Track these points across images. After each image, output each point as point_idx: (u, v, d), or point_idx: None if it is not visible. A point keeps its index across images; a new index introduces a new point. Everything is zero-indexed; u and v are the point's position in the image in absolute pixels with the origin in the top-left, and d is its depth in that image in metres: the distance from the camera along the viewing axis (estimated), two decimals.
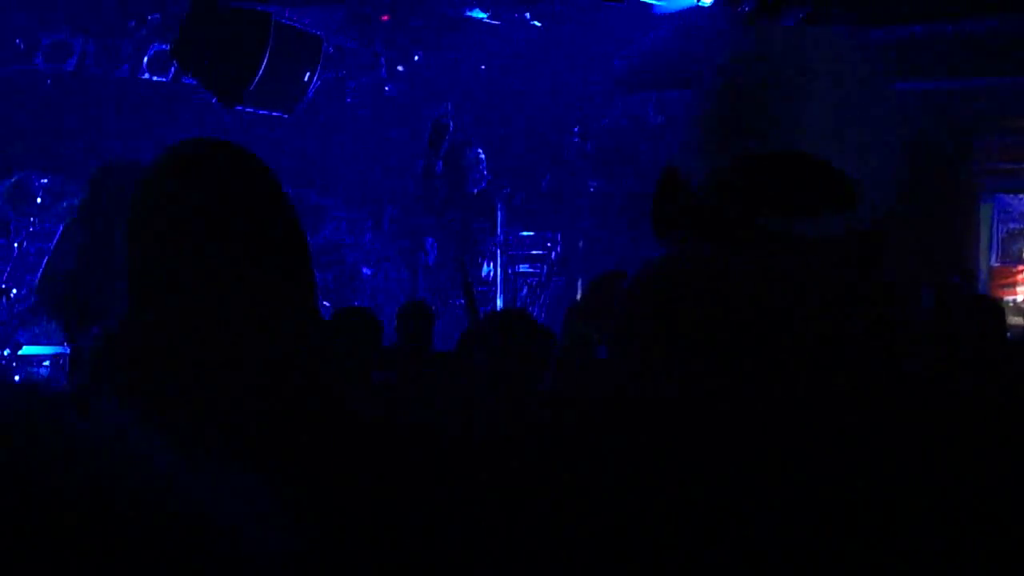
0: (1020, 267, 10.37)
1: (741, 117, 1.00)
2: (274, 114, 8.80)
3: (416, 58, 10.37)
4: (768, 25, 7.15)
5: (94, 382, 1.58)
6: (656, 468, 0.96)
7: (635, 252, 9.44)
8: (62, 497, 0.88)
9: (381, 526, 1.33)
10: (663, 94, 10.57)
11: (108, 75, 8.94)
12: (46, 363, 8.02)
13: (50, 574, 0.73)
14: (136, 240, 1.57)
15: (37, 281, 6.38)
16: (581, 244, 11.08)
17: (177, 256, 1.52)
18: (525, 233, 10.48)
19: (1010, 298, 9.86)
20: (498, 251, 9.64)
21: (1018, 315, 9.14)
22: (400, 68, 10.44)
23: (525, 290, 10.34)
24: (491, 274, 9.60)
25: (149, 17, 8.74)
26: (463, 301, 7.44)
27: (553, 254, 10.55)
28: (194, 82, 8.45)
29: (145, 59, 9.06)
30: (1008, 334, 5.95)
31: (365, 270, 10.85)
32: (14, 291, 8.08)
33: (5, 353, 7.74)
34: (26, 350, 7.96)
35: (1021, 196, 10.61)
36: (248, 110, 8.44)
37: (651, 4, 8.96)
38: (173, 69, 9.09)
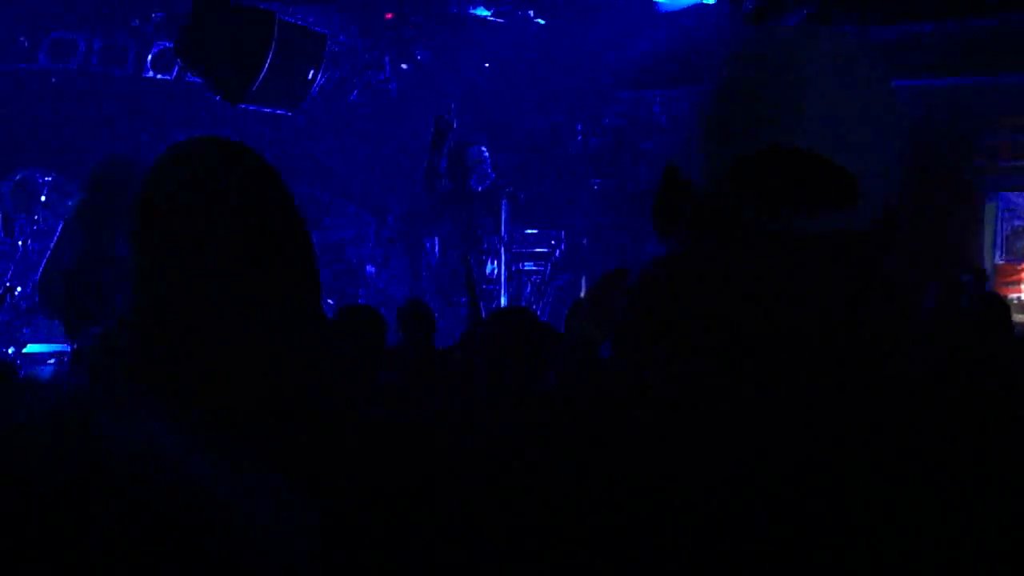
0: None
1: (742, 116, 1.00)
2: (278, 112, 8.80)
3: (420, 56, 10.37)
4: (769, 24, 7.14)
5: (94, 380, 1.58)
6: (657, 468, 0.96)
7: (639, 250, 9.45)
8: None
9: (382, 526, 1.33)
10: (667, 92, 10.57)
11: (112, 73, 8.94)
12: (51, 361, 8.03)
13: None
14: (140, 238, 1.57)
15: (37, 280, 6.38)
16: (585, 242, 11.07)
17: (181, 254, 1.52)
18: (529, 231, 10.47)
19: (1014, 295, 9.85)
20: (502, 249, 9.63)
21: (1022, 312, 9.13)
22: (404, 66, 10.44)
23: (529, 288, 10.33)
24: (495, 272, 9.58)
25: (153, 15, 8.74)
26: (466, 299, 7.43)
27: (557, 252, 10.54)
28: (198, 80, 8.45)
29: (149, 57, 9.07)
30: (1015, 332, 5.95)
31: (369, 268, 10.85)
32: (18, 289, 8.08)
33: (10, 351, 7.74)
34: (30, 348, 7.97)
35: None
36: (252, 108, 8.44)
37: (655, 2, 8.96)
38: (177, 67, 9.09)
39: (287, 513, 1.34)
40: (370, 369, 4.61)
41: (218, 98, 8.38)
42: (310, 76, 8.80)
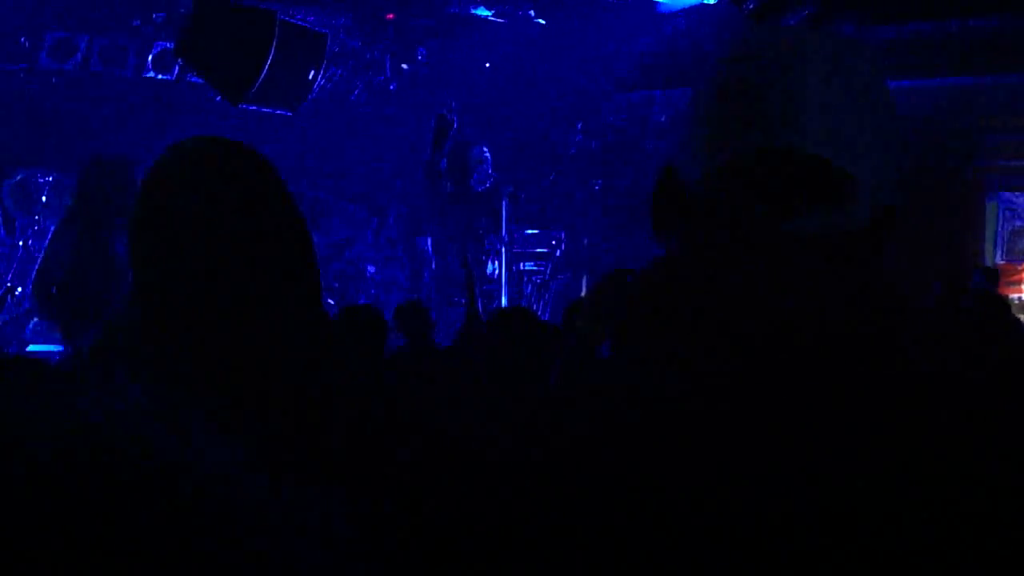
0: None
1: (739, 115, 1.00)
2: (278, 112, 8.81)
3: (420, 56, 10.38)
4: (766, 24, 7.15)
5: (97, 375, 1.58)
6: (658, 468, 0.96)
7: (639, 250, 9.45)
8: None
9: (383, 524, 1.33)
10: (668, 92, 10.58)
11: (112, 73, 8.95)
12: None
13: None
14: (140, 238, 1.57)
15: (31, 282, 6.38)
16: (585, 242, 11.09)
17: (181, 253, 1.52)
18: (530, 231, 10.48)
19: (1015, 296, 9.86)
20: (502, 249, 9.64)
21: (1022, 313, 9.13)
22: (404, 66, 10.45)
23: (529, 288, 10.34)
24: (495, 272, 9.60)
25: (154, 15, 8.75)
26: (465, 299, 7.44)
27: (557, 252, 10.56)
28: (199, 80, 8.46)
29: (150, 57, 9.08)
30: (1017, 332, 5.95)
31: (369, 268, 10.86)
32: (19, 289, 8.09)
33: (11, 351, 7.75)
34: (31, 348, 7.98)
35: None
36: (252, 108, 8.45)
37: (656, 2, 8.96)
38: (178, 67, 9.11)
39: (289, 509, 1.34)
40: (372, 368, 4.61)
41: (219, 98, 8.39)
42: (311, 76, 8.80)
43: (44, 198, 8.58)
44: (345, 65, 10.02)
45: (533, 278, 10.40)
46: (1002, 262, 10.40)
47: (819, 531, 0.92)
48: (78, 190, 5.97)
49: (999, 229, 10.68)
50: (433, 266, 9.81)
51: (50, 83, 8.85)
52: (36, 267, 6.15)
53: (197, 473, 1.30)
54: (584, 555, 0.94)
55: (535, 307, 9.94)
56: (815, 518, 0.92)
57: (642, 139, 10.77)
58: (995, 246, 10.66)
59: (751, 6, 7.70)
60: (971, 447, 0.95)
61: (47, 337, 7.99)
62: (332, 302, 9.33)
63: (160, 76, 9.21)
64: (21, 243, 8.53)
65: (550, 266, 10.49)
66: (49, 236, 6.18)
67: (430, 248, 9.94)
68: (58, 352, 7.95)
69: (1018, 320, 6.68)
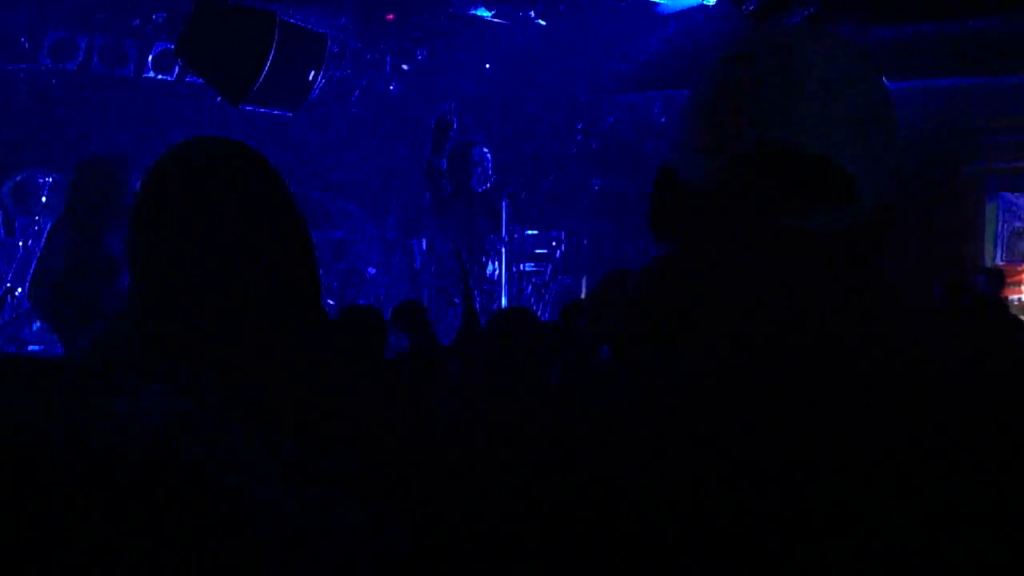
0: None
1: (738, 115, 1.00)
2: (278, 113, 8.81)
3: (420, 57, 10.38)
4: (763, 24, 7.15)
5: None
6: (658, 468, 0.96)
7: (639, 250, 9.45)
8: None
9: (386, 525, 1.33)
10: (668, 93, 10.58)
11: (113, 74, 8.95)
12: None
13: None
14: (140, 238, 1.57)
15: (28, 283, 6.38)
16: (586, 243, 11.08)
17: (180, 253, 1.52)
18: (529, 232, 10.47)
19: (1015, 297, 9.86)
20: (503, 249, 9.63)
21: (1022, 313, 9.13)
22: (405, 67, 10.45)
23: (529, 288, 10.33)
24: (495, 273, 9.59)
25: (154, 16, 8.75)
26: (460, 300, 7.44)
27: (557, 253, 10.55)
28: (199, 81, 8.46)
29: (150, 58, 9.08)
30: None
31: (370, 269, 10.86)
32: (19, 290, 8.09)
33: (11, 351, 7.74)
34: (31, 348, 7.98)
35: None
36: (253, 109, 8.44)
37: (656, 3, 8.96)
38: (178, 68, 9.11)
39: (299, 508, 1.34)
40: (372, 368, 4.61)
41: (219, 99, 8.39)
42: (311, 77, 8.80)
43: (44, 198, 8.58)
44: (345, 66, 10.01)
45: (533, 279, 10.40)
46: (1002, 263, 10.40)
47: (819, 531, 0.92)
48: (72, 190, 5.98)
49: (999, 230, 10.68)
50: (431, 267, 9.80)
51: (50, 83, 8.86)
52: (32, 268, 6.15)
53: (213, 474, 1.30)
54: (585, 555, 0.94)
55: (535, 307, 9.93)
56: (815, 518, 0.92)
57: (643, 140, 10.77)
58: (995, 247, 10.66)
59: (751, 7, 7.70)
60: (970, 447, 0.95)
61: (47, 337, 8.00)
62: (332, 302, 9.32)
63: (160, 76, 9.21)
64: (21, 243, 8.53)
65: (550, 267, 10.49)
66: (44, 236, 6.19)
67: (424, 249, 9.93)
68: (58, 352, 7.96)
69: (1017, 319, 6.69)
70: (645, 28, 9.74)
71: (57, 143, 8.50)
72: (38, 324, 7.85)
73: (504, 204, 9.46)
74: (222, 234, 1.53)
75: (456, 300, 9.04)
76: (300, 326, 1.56)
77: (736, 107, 1.01)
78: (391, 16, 9.69)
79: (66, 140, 8.46)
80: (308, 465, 1.38)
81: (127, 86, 9.11)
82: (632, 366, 1.04)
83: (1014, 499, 0.93)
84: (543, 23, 9.62)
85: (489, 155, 9.31)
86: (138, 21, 8.76)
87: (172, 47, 8.48)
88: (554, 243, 10.56)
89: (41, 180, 8.61)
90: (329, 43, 8.98)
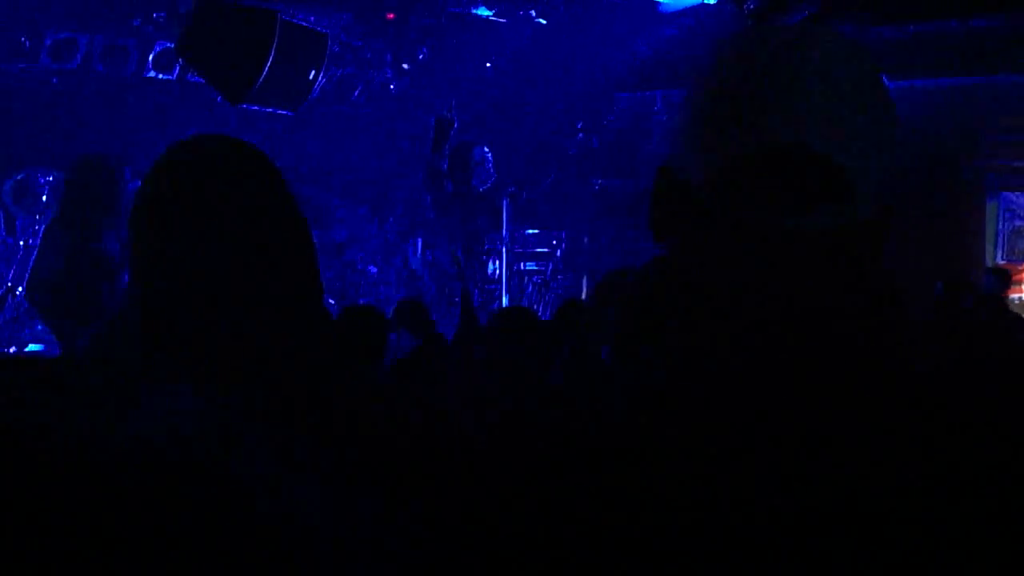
0: None
1: (738, 115, 1.00)
2: (279, 112, 8.81)
3: (421, 56, 10.38)
4: (762, 24, 7.15)
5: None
6: (658, 468, 0.96)
7: (640, 249, 9.45)
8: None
9: (387, 524, 1.33)
10: (668, 92, 10.58)
11: (113, 73, 8.95)
12: None
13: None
14: (140, 236, 1.57)
15: (25, 283, 6.38)
16: (586, 242, 11.09)
17: (182, 251, 1.52)
18: (530, 231, 10.48)
19: (1015, 296, 9.85)
20: (503, 249, 9.64)
21: (1022, 312, 9.13)
22: (405, 66, 10.45)
23: (530, 288, 10.34)
24: (496, 272, 9.60)
25: (155, 15, 8.75)
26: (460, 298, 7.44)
27: (558, 252, 10.56)
28: (199, 80, 8.46)
29: (150, 57, 9.08)
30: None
31: (371, 268, 10.86)
32: (20, 289, 8.09)
33: (11, 351, 7.75)
34: (32, 348, 7.98)
35: None
36: (253, 108, 8.44)
37: (657, 2, 8.96)
38: (178, 67, 9.11)
39: (303, 502, 1.34)
40: (372, 367, 4.62)
41: (219, 98, 8.39)
42: (311, 76, 8.80)
43: (45, 198, 8.58)
44: (346, 65, 10.01)
45: (534, 278, 10.40)
46: (1003, 262, 10.40)
47: (819, 532, 0.92)
48: (66, 189, 5.99)
49: (999, 229, 10.68)
50: (429, 267, 9.80)
51: (51, 82, 8.86)
52: (29, 266, 6.16)
53: (227, 474, 1.31)
54: (586, 554, 0.94)
55: (536, 307, 9.93)
56: (815, 519, 0.92)
57: (643, 139, 10.77)
58: (995, 246, 10.67)
59: (751, 6, 7.70)
60: (971, 446, 0.95)
61: (48, 337, 8.01)
62: (332, 302, 9.33)
63: (161, 76, 9.21)
64: (22, 243, 8.53)
65: (551, 266, 10.49)
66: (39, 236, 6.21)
67: (419, 249, 9.93)
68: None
69: (1019, 318, 6.69)
70: (646, 27, 9.75)
71: (58, 142, 8.50)
72: (40, 324, 7.86)
73: (505, 203, 9.47)
74: (223, 233, 1.53)
75: (455, 299, 9.05)
76: (302, 325, 1.56)
77: (736, 107, 1.01)
78: (391, 15, 9.69)
79: (67, 139, 8.45)
80: (315, 463, 1.39)
81: (128, 85, 9.11)
82: (632, 366, 1.04)
83: (1014, 500, 0.93)
84: (543, 22, 9.63)
85: (490, 154, 9.32)
86: (139, 20, 8.76)
87: (173, 46, 8.48)
88: (555, 242, 10.57)
89: (42, 179, 8.61)
90: (330, 42, 8.98)
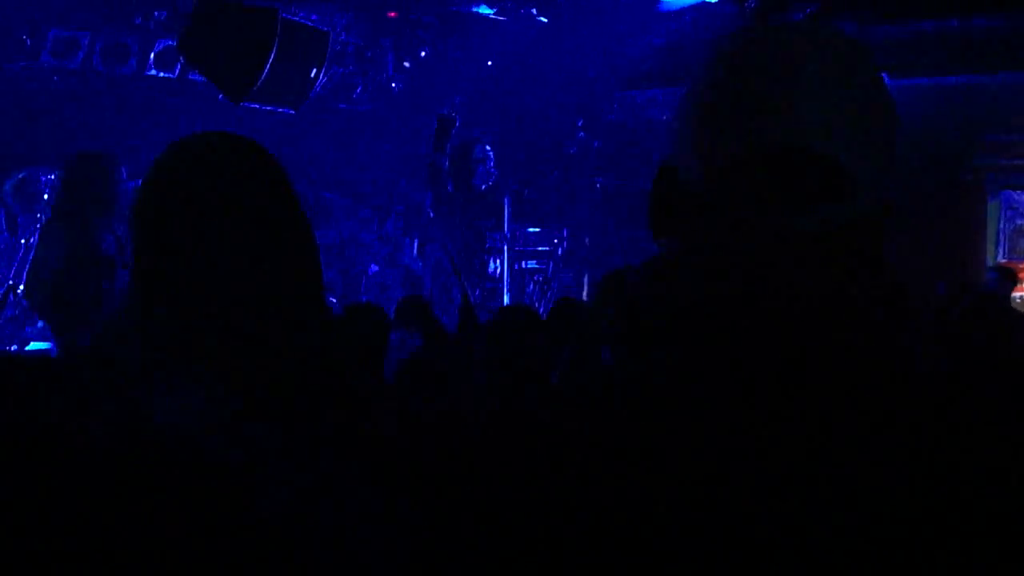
0: None
1: (736, 114, 1.00)
2: (280, 111, 8.80)
3: (423, 54, 10.38)
4: (760, 22, 7.14)
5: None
6: (659, 467, 0.96)
7: (641, 248, 9.44)
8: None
9: (389, 521, 1.33)
10: (670, 90, 10.57)
11: (114, 71, 8.95)
12: None
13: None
14: (142, 233, 1.57)
15: (24, 282, 6.39)
16: (587, 240, 11.09)
17: (184, 249, 1.52)
18: (531, 229, 10.48)
19: (1017, 295, 9.84)
20: (504, 247, 9.63)
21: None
22: (407, 64, 10.45)
23: (532, 286, 10.34)
24: (497, 270, 9.60)
25: (156, 13, 8.75)
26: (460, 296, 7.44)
27: (560, 250, 10.56)
28: (201, 78, 8.46)
29: (152, 55, 9.07)
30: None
31: (372, 267, 10.86)
32: (21, 287, 8.09)
33: (13, 349, 7.74)
34: (33, 346, 7.98)
35: None
36: (255, 106, 8.44)
37: (658, 0, 8.96)
38: (180, 65, 9.10)
39: (307, 498, 1.35)
40: (375, 365, 4.62)
41: (221, 96, 8.38)
42: (313, 74, 8.80)
43: (46, 196, 8.57)
44: (347, 63, 10.01)
45: (535, 276, 10.40)
46: (1004, 260, 10.39)
47: (818, 530, 0.92)
48: (61, 188, 5.99)
49: (1001, 228, 10.68)
50: (427, 266, 9.80)
51: (52, 81, 8.85)
52: (28, 265, 6.17)
53: (234, 471, 1.31)
54: (585, 554, 0.94)
55: (537, 305, 9.93)
56: (814, 517, 0.92)
57: (645, 137, 10.76)
58: (997, 245, 10.66)
59: (752, 4, 7.70)
60: (971, 446, 0.95)
61: (50, 335, 8.01)
62: (334, 300, 9.32)
63: (162, 74, 9.20)
64: (23, 241, 8.52)
65: (552, 264, 10.49)
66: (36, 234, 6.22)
67: (415, 249, 9.93)
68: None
69: (1022, 316, 6.67)
70: (647, 25, 9.74)
71: (59, 141, 8.50)
72: (41, 322, 7.86)
73: (506, 201, 9.46)
74: (225, 230, 1.53)
75: (455, 298, 9.05)
76: (304, 322, 1.56)
77: (735, 105, 1.01)
78: (393, 13, 9.69)
79: (68, 138, 8.45)
80: (317, 460, 1.39)
81: (129, 84, 9.10)
82: (631, 366, 1.04)
83: (1015, 500, 0.93)
84: (545, 20, 9.63)
85: (491, 152, 9.31)
86: (140, 18, 8.76)
87: (174, 44, 8.48)
88: (556, 240, 10.57)
89: (43, 178, 8.61)
90: (331, 41, 8.98)
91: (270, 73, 8.08)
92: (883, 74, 1.04)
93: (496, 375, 4.03)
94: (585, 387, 1.10)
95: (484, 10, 9.30)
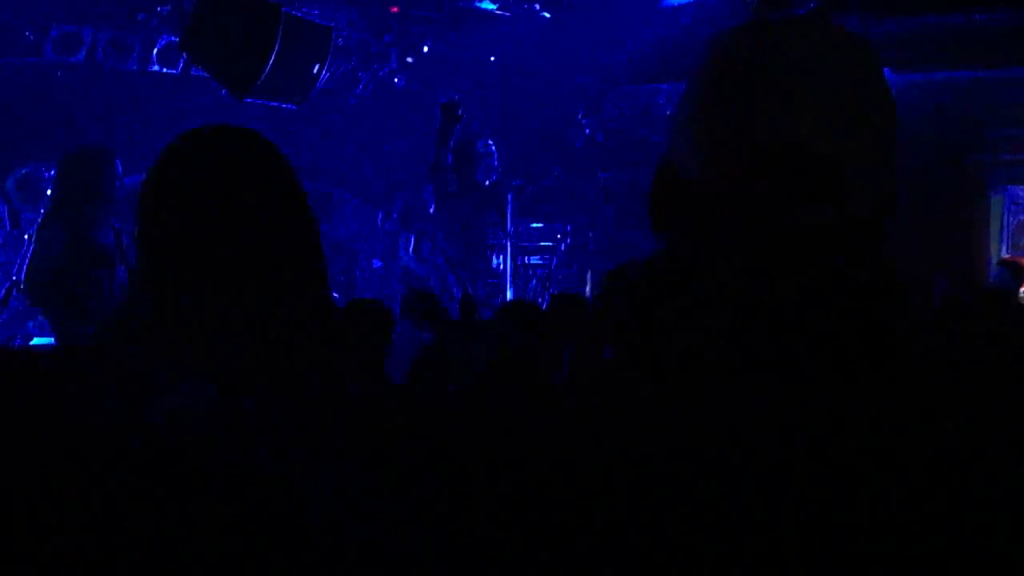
0: None
1: (736, 110, 1.00)
2: (283, 106, 8.80)
3: (426, 49, 10.37)
4: (764, 17, 7.14)
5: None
6: (659, 465, 0.96)
7: (645, 243, 9.43)
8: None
9: (389, 520, 1.33)
10: (673, 85, 10.57)
11: (117, 67, 8.95)
12: None
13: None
14: (147, 226, 1.57)
15: (23, 277, 6.40)
16: (591, 236, 11.08)
17: (189, 242, 1.52)
18: (534, 225, 10.47)
19: (1021, 290, 9.83)
20: (507, 243, 9.62)
21: None
22: (410, 60, 10.44)
23: (534, 281, 10.33)
24: (500, 266, 9.58)
25: (159, 9, 8.75)
26: (461, 293, 7.44)
27: (563, 246, 10.54)
28: (204, 74, 8.46)
29: (155, 51, 9.07)
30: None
31: (375, 262, 10.86)
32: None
33: (17, 342, 7.75)
34: (36, 341, 7.98)
35: None
36: (258, 102, 8.44)
37: None
38: (183, 61, 9.10)
39: (319, 492, 1.35)
40: (377, 360, 4.62)
41: (223, 92, 8.38)
42: (316, 70, 8.79)
43: (49, 191, 8.59)
44: (350, 59, 10.01)
45: (538, 271, 10.39)
46: (1008, 256, 10.38)
47: (819, 528, 0.92)
48: (58, 182, 6.00)
49: (1005, 223, 10.67)
50: (422, 261, 9.77)
51: (55, 76, 8.86)
52: (27, 260, 6.17)
53: (248, 466, 1.31)
54: (587, 552, 0.94)
55: (540, 300, 9.92)
56: (814, 515, 0.92)
57: (648, 133, 10.76)
58: (1000, 240, 10.65)
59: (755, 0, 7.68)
60: (973, 445, 0.95)
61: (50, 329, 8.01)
62: (337, 295, 9.32)
63: (165, 70, 9.20)
64: (27, 236, 8.53)
65: (555, 259, 10.48)
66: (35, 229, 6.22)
67: (412, 246, 9.91)
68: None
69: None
70: (650, 20, 9.74)
71: (61, 137, 8.50)
72: (40, 316, 7.87)
73: (510, 197, 9.45)
74: (230, 222, 1.53)
75: (456, 295, 9.04)
76: (308, 317, 1.56)
77: (735, 102, 1.00)
78: (396, 9, 9.68)
79: (71, 133, 8.45)
80: (324, 453, 1.39)
81: (132, 79, 9.11)
82: (633, 363, 1.04)
83: (1015, 499, 0.93)
84: (547, 15, 9.62)
85: (494, 148, 9.30)
86: (143, 14, 8.76)
87: (177, 40, 8.48)
88: (559, 236, 10.55)
89: (46, 173, 8.61)
90: (334, 36, 8.97)
91: (273, 69, 8.08)
92: (885, 70, 1.04)
93: (499, 371, 4.03)
94: (586, 385, 1.10)
95: (487, 5, 9.30)
